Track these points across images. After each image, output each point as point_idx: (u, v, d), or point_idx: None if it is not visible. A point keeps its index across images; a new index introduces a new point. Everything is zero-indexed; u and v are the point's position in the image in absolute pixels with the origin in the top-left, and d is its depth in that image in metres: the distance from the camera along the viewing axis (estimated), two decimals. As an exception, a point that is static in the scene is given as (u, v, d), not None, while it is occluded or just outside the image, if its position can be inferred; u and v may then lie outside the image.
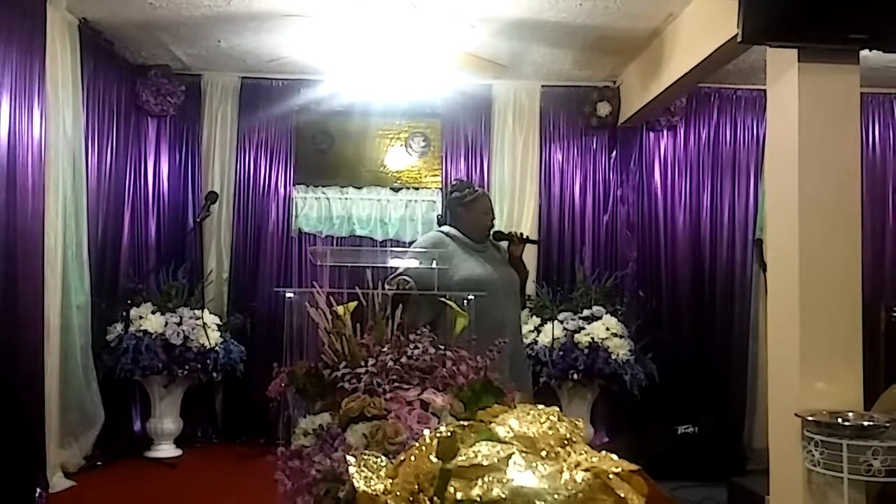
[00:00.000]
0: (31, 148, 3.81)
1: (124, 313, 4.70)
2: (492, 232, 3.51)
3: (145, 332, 4.65)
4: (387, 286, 2.71)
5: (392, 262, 3.24)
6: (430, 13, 4.05)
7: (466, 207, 3.45)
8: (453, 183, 3.69)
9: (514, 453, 1.06)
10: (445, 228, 3.49)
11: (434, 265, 2.95)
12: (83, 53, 4.41)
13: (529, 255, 5.30)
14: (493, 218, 3.52)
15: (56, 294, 4.11)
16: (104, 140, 4.82)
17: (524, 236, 3.57)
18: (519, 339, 3.54)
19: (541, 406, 1.21)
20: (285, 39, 4.64)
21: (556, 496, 1.00)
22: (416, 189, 5.58)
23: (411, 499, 1.07)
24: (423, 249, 3.35)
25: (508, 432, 1.11)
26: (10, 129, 3.66)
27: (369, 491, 1.12)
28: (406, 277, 2.97)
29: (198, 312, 4.84)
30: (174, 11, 4.30)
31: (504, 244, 3.52)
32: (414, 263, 3.11)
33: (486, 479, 1.03)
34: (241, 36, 4.69)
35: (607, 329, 4.72)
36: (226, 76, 5.43)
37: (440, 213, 3.67)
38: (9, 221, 3.64)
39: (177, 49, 4.98)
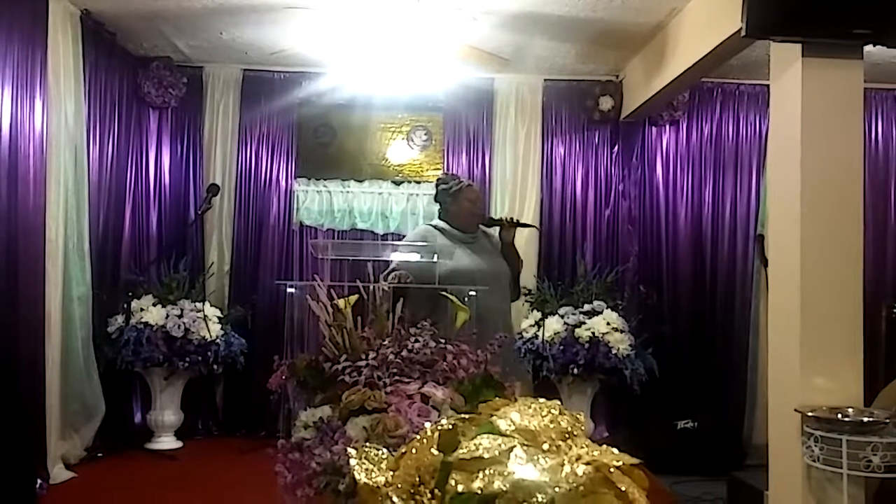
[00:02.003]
0: (32, 139, 3.81)
1: (125, 305, 4.70)
2: (486, 220, 3.53)
3: (146, 324, 4.65)
4: (381, 280, 2.73)
5: (392, 256, 3.25)
6: (433, 6, 4.04)
7: (454, 198, 3.49)
8: (440, 176, 3.72)
9: (515, 446, 1.06)
10: (434, 222, 3.53)
11: (435, 258, 2.96)
12: (85, 45, 4.40)
13: (531, 249, 5.35)
14: (483, 207, 3.54)
15: (57, 286, 4.11)
16: (106, 132, 4.81)
17: (515, 220, 3.58)
18: (509, 330, 3.53)
19: (542, 400, 1.21)
20: (287, 32, 4.63)
21: (557, 489, 1.00)
22: (418, 183, 5.57)
23: (412, 491, 1.07)
24: (414, 243, 3.38)
25: (510, 425, 1.11)
26: (11, 121, 3.66)
27: (370, 483, 1.12)
28: (405, 271, 2.98)
29: (199, 305, 4.85)
30: (176, 3, 4.29)
31: (496, 231, 3.53)
32: (408, 257, 3.13)
33: (487, 471, 1.03)
34: (243, 28, 4.68)
35: (608, 324, 4.72)
36: (227, 68, 5.41)
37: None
38: (10, 213, 3.64)
39: (178, 41, 4.97)
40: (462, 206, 3.49)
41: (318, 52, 4.85)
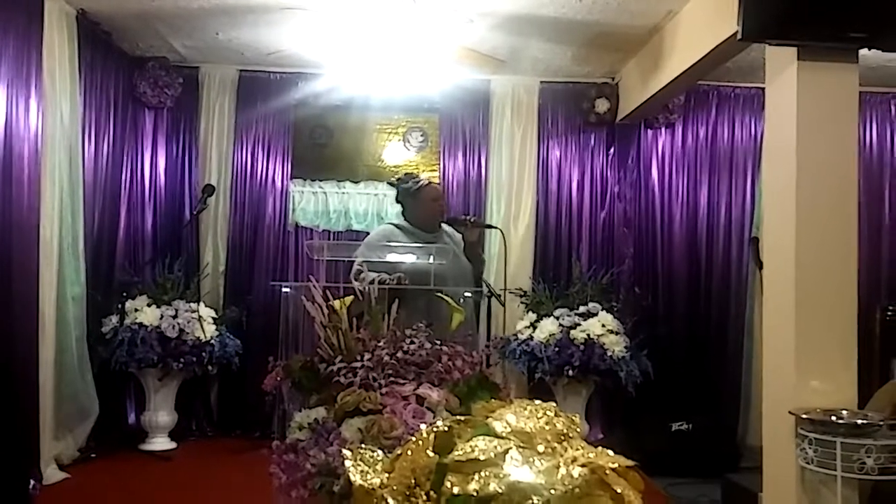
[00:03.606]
0: (27, 139, 3.80)
1: (120, 306, 4.69)
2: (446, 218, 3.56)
3: (141, 324, 4.63)
4: (353, 281, 2.74)
5: (389, 257, 3.26)
6: (429, 7, 4.05)
7: (414, 197, 3.51)
8: (399, 177, 3.73)
9: (510, 448, 1.06)
10: (396, 220, 3.55)
11: (432, 259, 2.96)
12: (81, 45, 4.39)
13: (526, 250, 5.36)
14: (444, 206, 3.56)
15: (51, 286, 4.10)
16: (101, 132, 4.80)
17: (475, 221, 3.59)
18: (472, 329, 3.54)
19: (538, 402, 1.21)
20: (284, 33, 4.62)
21: (552, 491, 1.00)
22: (414, 184, 5.56)
23: (408, 493, 1.07)
24: (378, 243, 3.41)
25: (505, 427, 1.11)
26: (6, 120, 3.64)
27: (365, 485, 1.12)
28: (401, 274, 2.99)
29: (193, 305, 4.83)
30: (172, 3, 4.28)
31: (458, 231, 3.55)
32: (371, 256, 3.16)
33: (482, 473, 1.03)
34: (240, 28, 4.67)
35: (603, 326, 4.72)
36: (224, 69, 5.40)
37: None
38: (4, 213, 3.63)
39: (174, 41, 4.96)
40: (423, 205, 3.51)
41: (315, 53, 4.84)
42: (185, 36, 4.87)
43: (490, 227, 4.01)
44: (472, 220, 3.62)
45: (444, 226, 3.59)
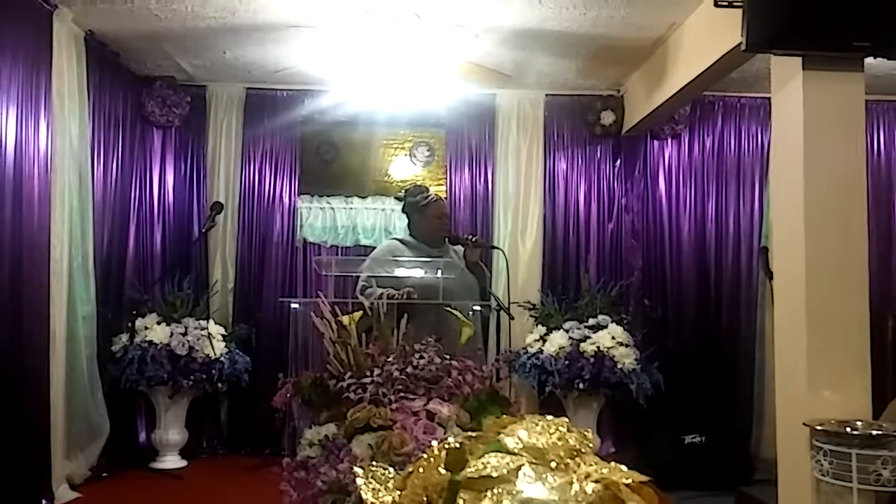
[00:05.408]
0: (37, 159, 3.83)
1: (130, 324, 4.70)
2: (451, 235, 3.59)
3: (150, 342, 4.64)
4: (360, 296, 2.74)
5: (396, 272, 3.26)
6: (435, 23, 4.07)
7: (421, 212, 3.53)
8: (408, 188, 3.74)
9: (523, 465, 1.05)
10: (401, 236, 3.56)
11: (439, 274, 2.96)
12: (89, 65, 4.43)
13: (535, 263, 5.35)
14: (448, 222, 3.59)
15: (62, 305, 4.11)
16: (110, 151, 4.83)
17: (476, 240, 3.61)
18: (480, 343, 3.55)
19: (549, 417, 1.20)
20: (290, 50, 4.66)
21: (566, 508, 0.99)
22: (421, 198, 5.57)
23: (420, 511, 1.06)
24: (383, 258, 3.43)
25: (517, 443, 1.10)
26: (17, 141, 3.68)
27: (377, 503, 1.11)
28: (410, 288, 3.00)
29: (203, 323, 4.84)
30: (179, 23, 4.32)
31: (461, 248, 3.58)
32: (378, 271, 3.17)
33: (495, 490, 1.02)
34: (247, 47, 4.70)
35: (613, 338, 4.70)
36: (231, 87, 5.44)
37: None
38: (15, 232, 3.65)
39: (182, 60, 5.00)
40: (428, 221, 3.54)
41: (321, 70, 4.88)
42: (193, 55, 4.91)
43: (492, 247, 4.01)
44: (473, 239, 3.63)
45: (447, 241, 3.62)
